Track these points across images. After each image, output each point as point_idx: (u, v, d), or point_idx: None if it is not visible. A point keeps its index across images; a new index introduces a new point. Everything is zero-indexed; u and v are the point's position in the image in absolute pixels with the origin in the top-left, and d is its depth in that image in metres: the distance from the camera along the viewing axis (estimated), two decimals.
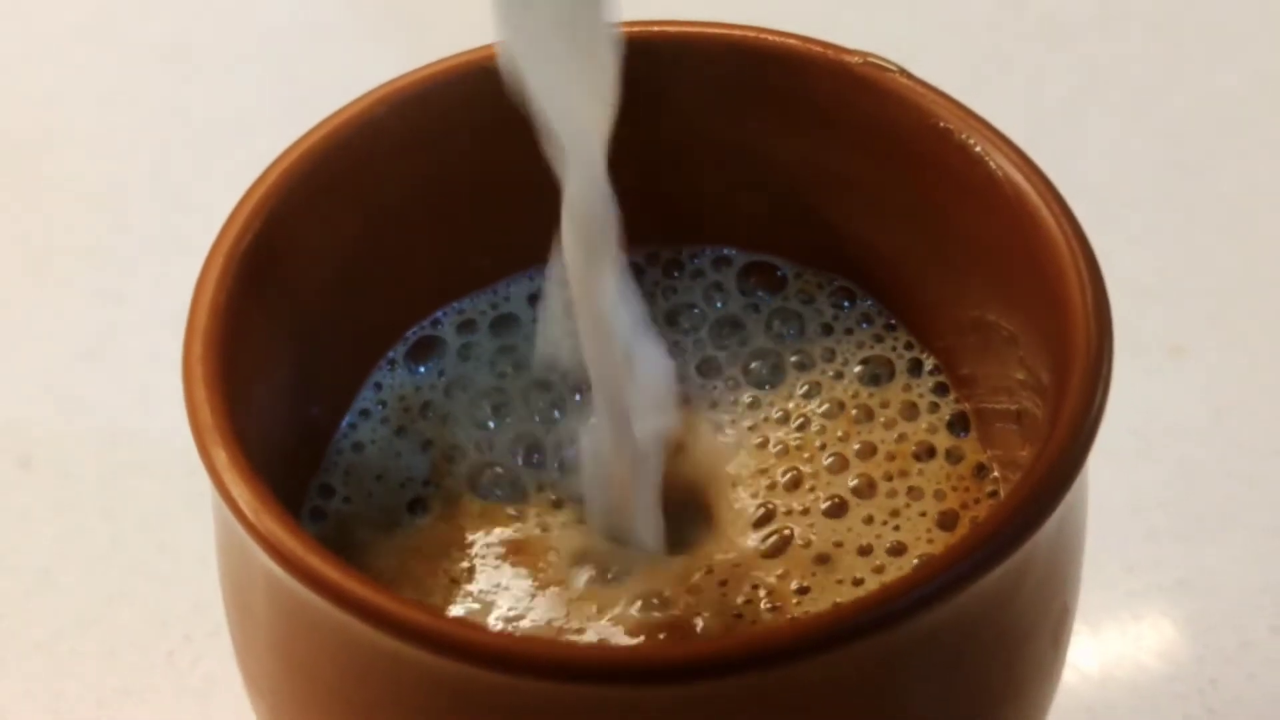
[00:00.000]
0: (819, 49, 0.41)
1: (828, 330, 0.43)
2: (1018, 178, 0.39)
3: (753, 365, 0.43)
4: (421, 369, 0.42)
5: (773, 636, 0.32)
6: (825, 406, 0.42)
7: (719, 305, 0.44)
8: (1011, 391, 0.39)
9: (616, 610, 0.38)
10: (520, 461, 0.41)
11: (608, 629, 0.37)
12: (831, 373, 0.42)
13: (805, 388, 0.42)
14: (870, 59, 0.41)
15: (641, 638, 0.37)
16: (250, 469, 0.34)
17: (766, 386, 0.42)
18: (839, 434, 0.41)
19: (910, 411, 0.41)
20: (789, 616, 0.38)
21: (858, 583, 0.38)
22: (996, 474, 0.40)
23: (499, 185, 0.43)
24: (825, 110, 0.42)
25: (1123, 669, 0.54)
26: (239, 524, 0.34)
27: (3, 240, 0.66)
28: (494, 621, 0.38)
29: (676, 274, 0.44)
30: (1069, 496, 0.34)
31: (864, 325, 0.43)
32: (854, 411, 0.41)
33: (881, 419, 0.41)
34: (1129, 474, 0.58)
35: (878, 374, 0.42)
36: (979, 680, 0.35)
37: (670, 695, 0.32)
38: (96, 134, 0.70)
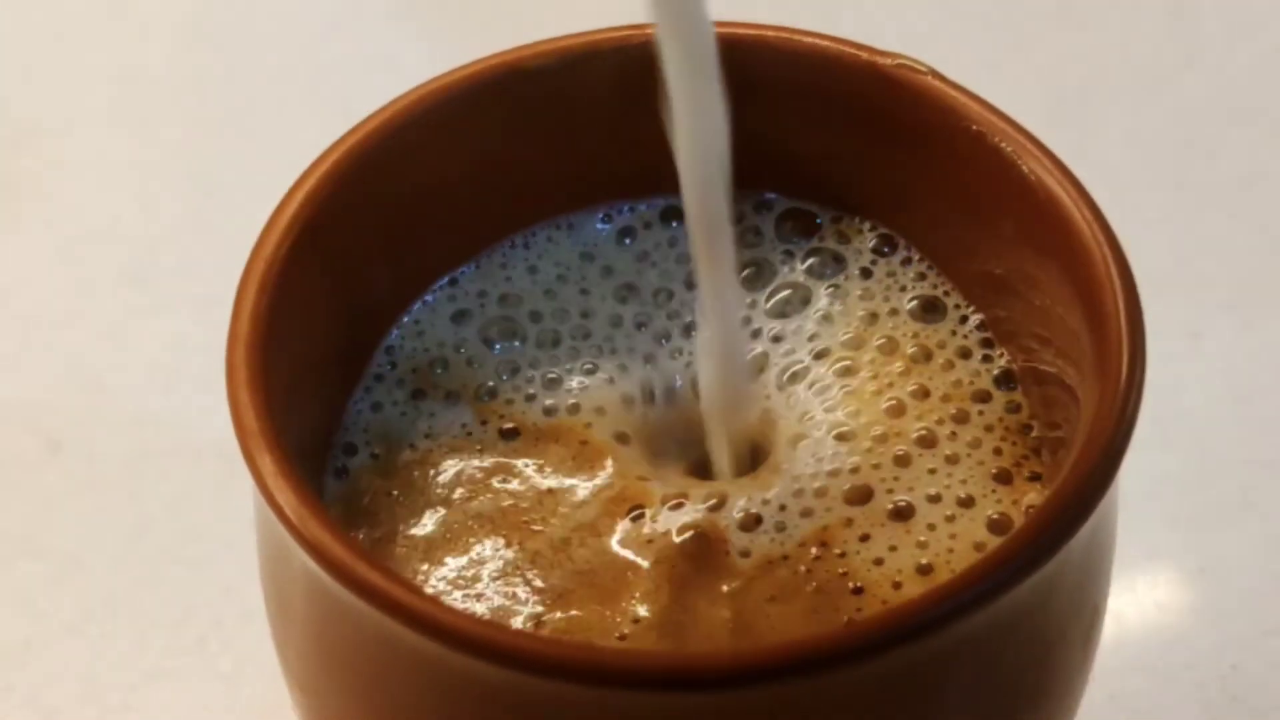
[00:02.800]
0: (851, 50, 0.42)
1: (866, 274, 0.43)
2: (1050, 182, 0.39)
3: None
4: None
5: (811, 644, 0.33)
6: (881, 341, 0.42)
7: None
8: (1048, 355, 0.40)
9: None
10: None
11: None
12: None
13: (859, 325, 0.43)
14: (903, 61, 0.41)
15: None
16: (295, 474, 0.35)
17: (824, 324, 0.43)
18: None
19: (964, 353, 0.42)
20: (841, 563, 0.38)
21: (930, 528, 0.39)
22: (1036, 433, 0.40)
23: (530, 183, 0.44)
24: (857, 111, 0.42)
25: (1143, 656, 0.54)
26: (285, 529, 0.34)
27: (27, 223, 0.67)
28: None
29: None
30: (1102, 504, 0.35)
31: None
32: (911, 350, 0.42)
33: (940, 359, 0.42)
34: (1148, 461, 0.58)
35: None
36: (1012, 683, 0.36)
37: (713, 701, 0.33)
38: (119, 116, 0.71)
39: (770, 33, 0.42)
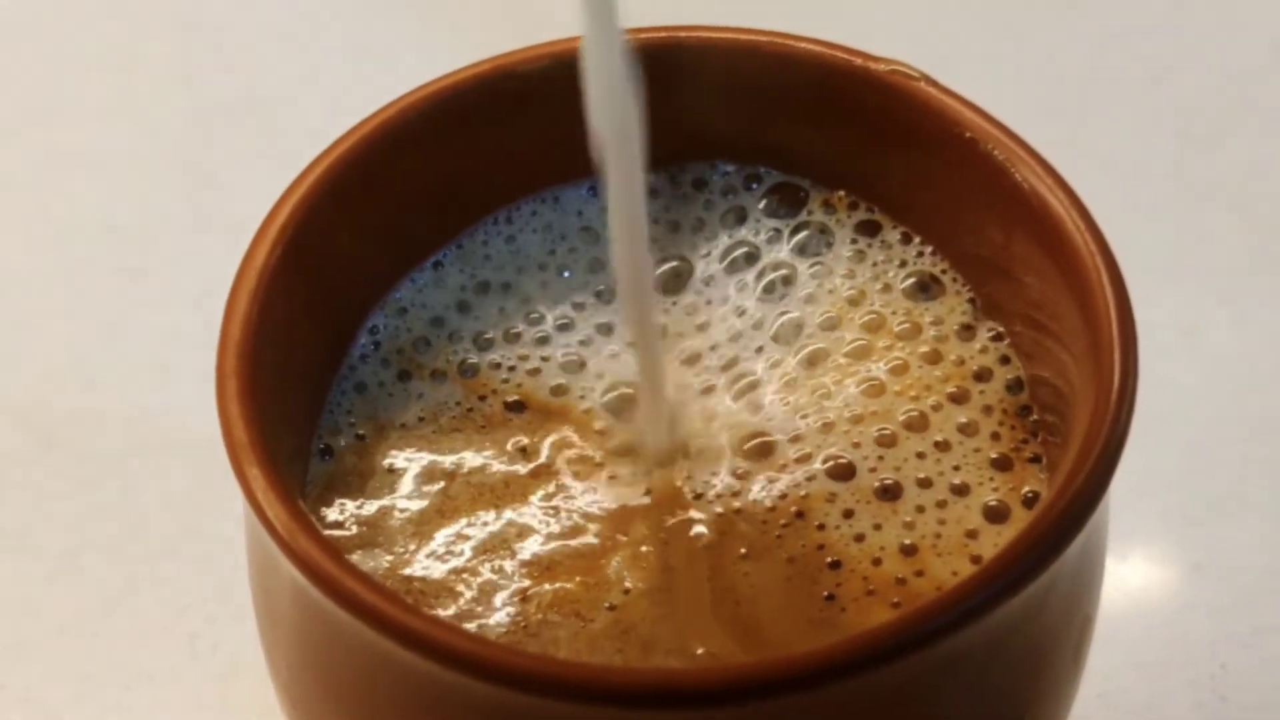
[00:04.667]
0: (844, 56, 0.42)
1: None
2: (1042, 190, 0.39)
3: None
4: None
5: (802, 660, 0.33)
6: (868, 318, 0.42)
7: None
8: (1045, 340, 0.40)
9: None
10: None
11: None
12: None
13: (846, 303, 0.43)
14: (896, 67, 0.41)
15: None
16: (284, 486, 0.35)
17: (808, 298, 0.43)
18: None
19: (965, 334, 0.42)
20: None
21: (919, 510, 0.39)
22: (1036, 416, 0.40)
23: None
24: (851, 116, 0.42)
25: (1134, 654, 0.54)
26: (273, 542, 0.34)
27: (23, 216, 0.67)
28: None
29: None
30: (1095, 515, 0.35)
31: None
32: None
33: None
34: (1142, 457, 0.58)
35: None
36: (1005, 694, 0.36)
37: (706, 719, 0.33)
38: (115, 109, 0.71)
39: (764, 39, 0.42)
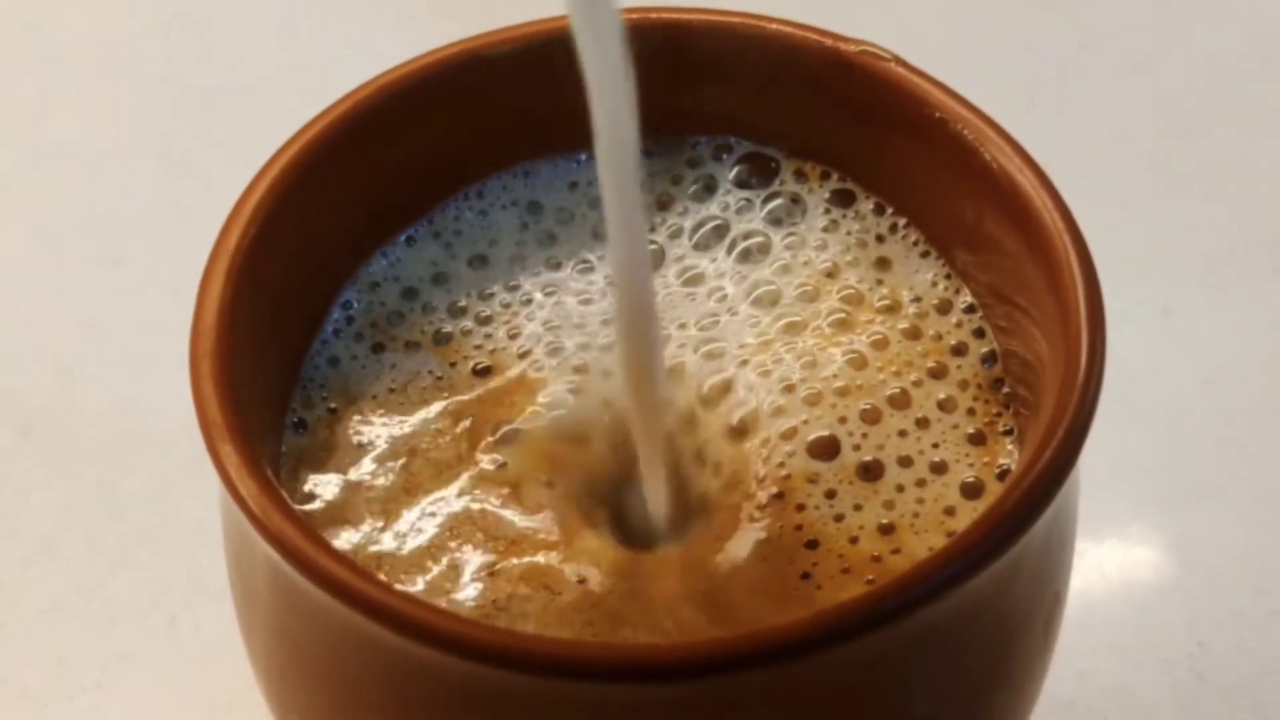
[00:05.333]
0: (815, 37, 0.42)
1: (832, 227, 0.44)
2: (1011, 169, 0.39)
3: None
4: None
5: (776, 634, 0.33)
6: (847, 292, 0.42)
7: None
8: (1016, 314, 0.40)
9: None
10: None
11: None
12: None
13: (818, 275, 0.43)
14: (866, 48, 0.41)
15: None
16: (258, 465, 0.35)
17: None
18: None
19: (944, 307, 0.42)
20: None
21: (899, 490, 0.39)
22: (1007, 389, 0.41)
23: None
24: (822, 97, 0.42)
25: (1111, 635, 0.54)
26: (247, 520, 0.34)
27: (1, 208, 0.67)
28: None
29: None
30: (1061, 492, 0.35)
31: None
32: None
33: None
34: (1118, 441, 0.58)
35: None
36: (975, 670, 0.36)
37: (677, 692, 0.33)
38: (95, 100, 0.71)
39: (736, 19, 0.42)
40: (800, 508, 0.38)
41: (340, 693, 0.36)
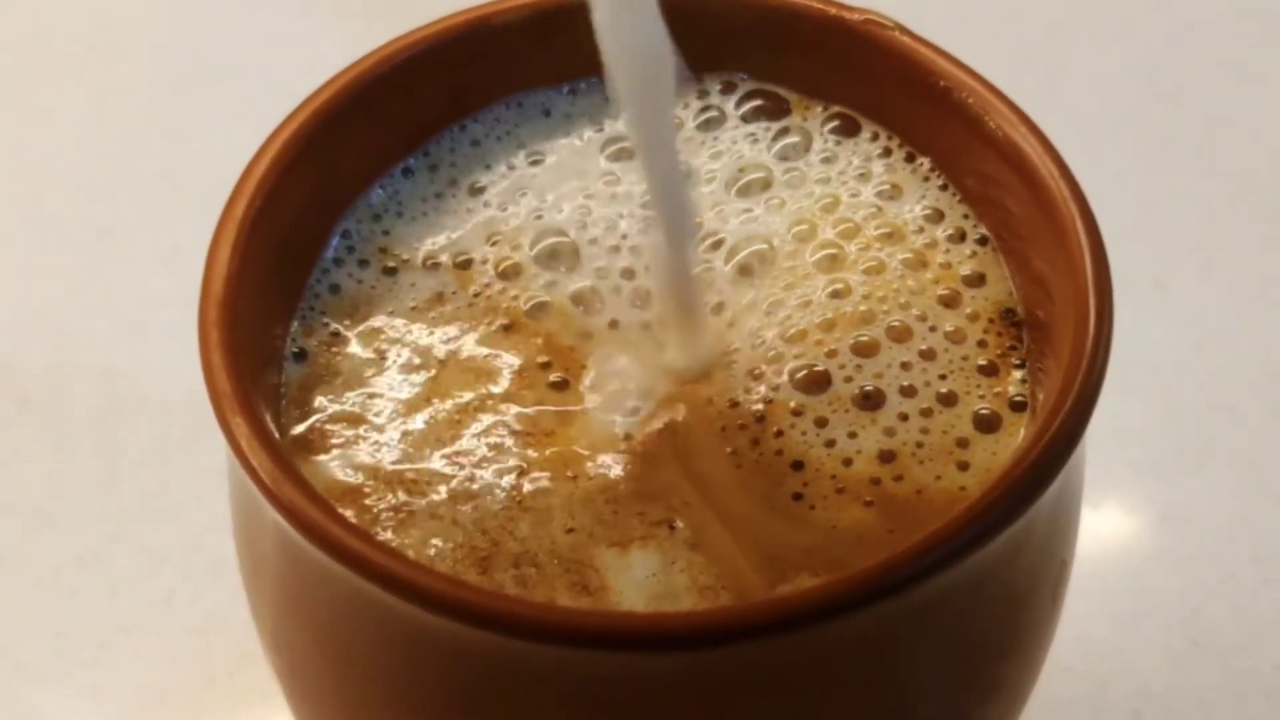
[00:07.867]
0: (819, 6, 0.42)
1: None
2: (1016, 137, 0.39)
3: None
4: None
5: (783, 603, 0.33)
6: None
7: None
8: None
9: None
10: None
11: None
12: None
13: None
14: (870, 16, 0.41)
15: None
16: (268, 435, 0.35)
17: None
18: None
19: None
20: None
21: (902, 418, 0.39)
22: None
23: None
24: (827, 63, 0.42)
25: (1106, 602, 0.55)
26: (258, 490, 0.34)
27: None
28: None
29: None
30: (1071, 460, 0.35)
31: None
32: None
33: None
34: (1111, 408, 0.58)
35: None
36: (983, 637, 0.36)
37: (688, 660, 0.33)
38: (87, 69, 0.70)
39: None
40: (788, 433, 0.38)
41: (351, 661, 0.36)
